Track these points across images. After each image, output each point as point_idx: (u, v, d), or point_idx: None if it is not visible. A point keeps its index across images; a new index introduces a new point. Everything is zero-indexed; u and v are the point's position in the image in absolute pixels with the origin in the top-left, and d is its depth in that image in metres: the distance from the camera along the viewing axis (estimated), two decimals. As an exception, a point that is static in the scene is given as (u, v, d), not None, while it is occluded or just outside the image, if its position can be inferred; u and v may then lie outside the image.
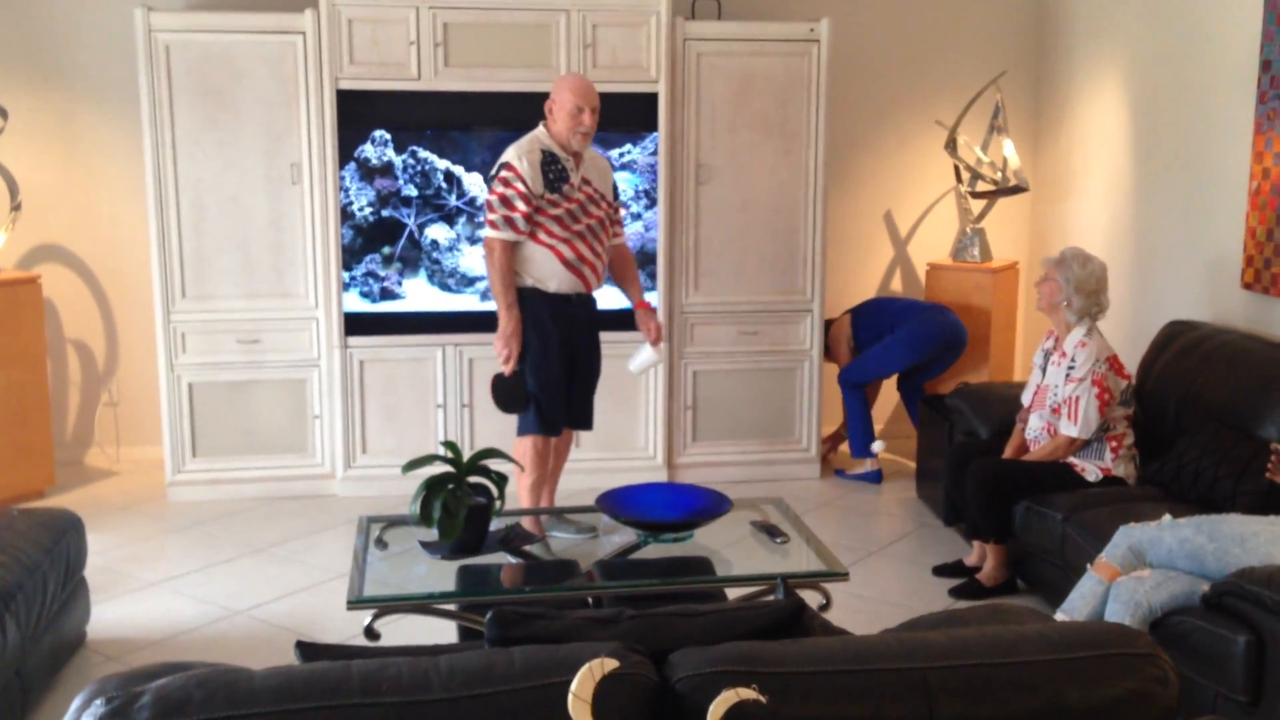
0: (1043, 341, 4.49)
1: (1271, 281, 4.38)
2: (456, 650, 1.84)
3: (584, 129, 4.17)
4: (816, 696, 1.73)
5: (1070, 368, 4.23)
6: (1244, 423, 3.99)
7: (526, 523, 3.75)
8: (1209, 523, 3.30)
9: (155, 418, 5.54)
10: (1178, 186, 5.04)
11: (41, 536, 3.53)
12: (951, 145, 5.95)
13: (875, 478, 5.70)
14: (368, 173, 5.18)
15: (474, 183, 5.23)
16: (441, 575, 3.28)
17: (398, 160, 5.18)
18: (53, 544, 3.55)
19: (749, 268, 5.55)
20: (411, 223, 5.24)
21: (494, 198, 4.17)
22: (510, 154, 4.18)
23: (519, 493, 4.40)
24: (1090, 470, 4.21)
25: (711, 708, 1.62)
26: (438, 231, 5.26)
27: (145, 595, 4.31)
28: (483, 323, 5.14)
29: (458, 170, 5.23)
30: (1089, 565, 3.45)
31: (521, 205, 4.12)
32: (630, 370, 4.60)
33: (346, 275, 5.23)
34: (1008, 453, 4.47)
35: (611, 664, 1.65)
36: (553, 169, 4.17)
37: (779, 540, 3.55)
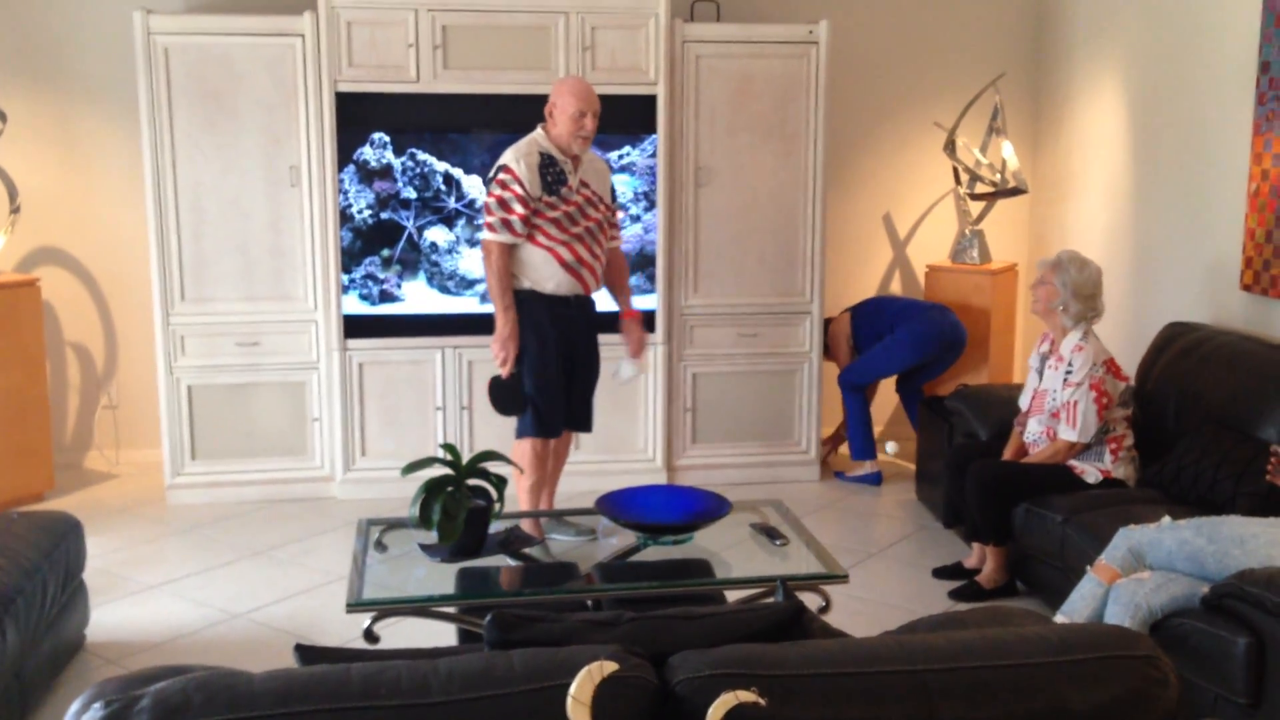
0: (1037, 344, 4.48)
1: (1271, 283, 4.38)
2: (456, 653, 1.84)
3: (585, 133, 4.18)
4: (816, 699, 1.73)
5: (1068, 372, 4.23)
6: (1244, 424, 3.99)
7: (526, 525, 3.74)
8: (1208, 524, 3.30)
9: (154, 420, 5.54)
10: (1177, 188, 5.04)
11: (40, 540, 3.53)
12: (950, 147, 5.95)
13: (875, 480, 5.70)
14: (367, 175, 5.18)
15: (473, 185, 5.23)
16: (441, 578, 3.27)
17: (397, 163, 5.18)
18: (52, 547, 3.55)
19: (748, 270, 5.55)
20: (411, 225, 5.24)
21: (492, 200, 4.17)
22: (508, 156, 4.18)
23: (518, 495, 4.40)
24: (1090, 472, 4.21)
25: (711, 710, 1.62)
26: (437, 234, 5.26)
27: (144, 598, 4.31)
28: (482, 325, 5.12)
29: (457, 173, 5.23)
30: (1088, 567, 3.45)
31: (519, 208, 4.12)
32: (617, 380, 4.62)
33: (346, 278, 5.23)
34: (1006, 456, 4.47)
35: (611, 667, 1.64)
36: (551, 171, 4.17)
37: (778, 542, 3.54)
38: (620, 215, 5.22)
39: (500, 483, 3.37)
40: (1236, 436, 3.95)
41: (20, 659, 3.24)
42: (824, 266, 5.63)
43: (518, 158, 4.15)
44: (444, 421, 5.40)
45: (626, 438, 5.54)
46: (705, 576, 3.30)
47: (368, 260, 5.24)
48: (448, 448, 3.36)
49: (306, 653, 2.05)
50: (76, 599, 3.78)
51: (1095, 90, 5.72)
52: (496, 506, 3.38)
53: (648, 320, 5.42)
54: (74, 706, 1.78)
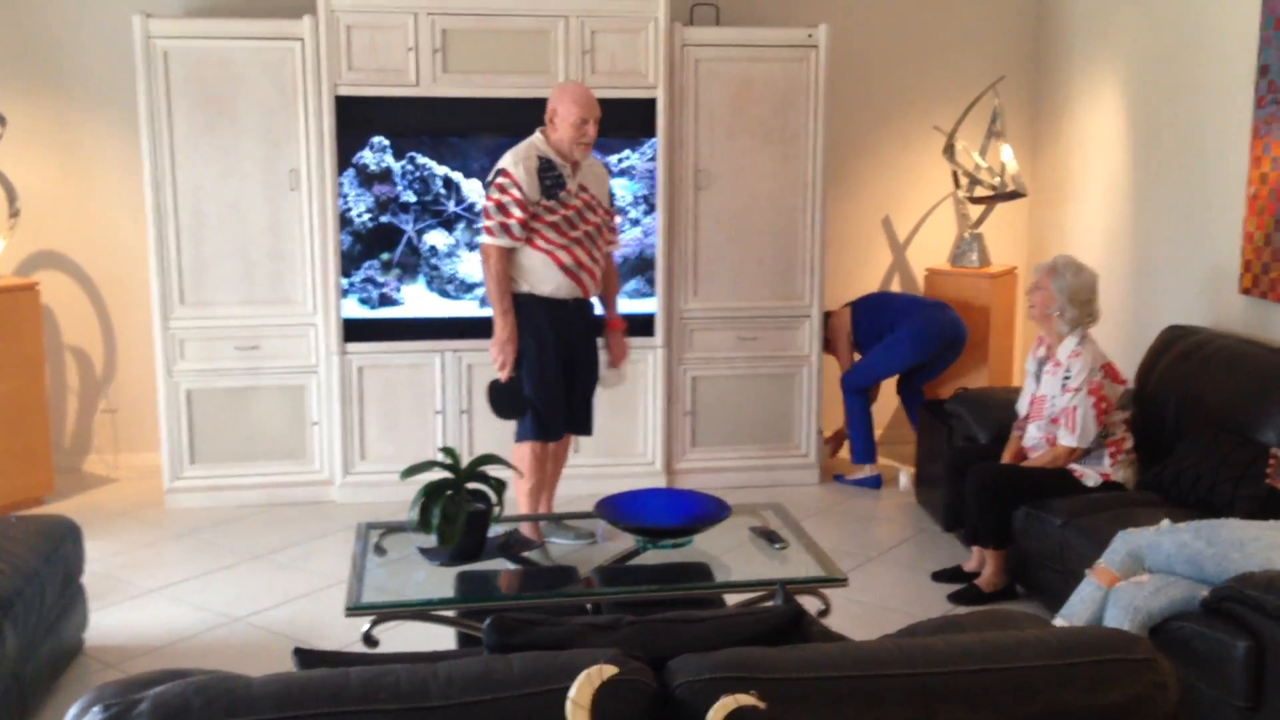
0: (1033, 349, 4.48)
1: (1270, 286, 4.38)
2: (455, 657, 1.84)
3: (587, 139, 4.19)
4: (815, 702, 1.72)
5: (1066, 378, 4.23)
6: (1243, 427, 3.99)
7: (525, 529, 3.74)
8: (1207, 527, 3.30)
9: (153, 424, 5.54)
10: (1175, 191, 5.04)
11: (39, 543, 3.53)
12: (950, 150, 5.96)
13: (874, 483, 5.70)
14: (366, 179, 5.18)
15: (473, 189, 5.23)
16: (440, 581, 3.27)
17: (396, 166, 5.18)
18: (51, 551, 3.55)
19: (748, 273, 5.55)
20: (410, 229, 5.24)
21: (490, 204, 4.17)
22: (506, 160, 4.18)
23: (517, 499, 4.40)
24: (1089, 475, 4.21)
25: (710, 714, 1.62)
26: (436, 238, 5.26)
27: (143, 602, 4.31)
28: (481, 329, 5.12)
29: (456, 176, 5.23)
30: (1087, 571, 3.45)
31: (517, 212, 4.13)
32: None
33: (345, 281, 5.24)
34: (1004, 461, 4.47)
35: (610, 670, 1.64)
36: (549, 175, 4.18)
37: (778, 546, 3.54)
38: (618, 219, 5.23)
39: (499, 486, 3.37)
40: (1236, 439, 3.95)
41: (19, 663, 3.24)
42: (824, 270, 5.63)
43: (516, 161, 4.15)
44: (443, 425, 5.40)
45: (626, 441, 5.54)
46: (705, 580, 3.30)
47: (367, 264, 5.24)
48: (447, 451, 3.36)
49: (305, 656, 2.05)
50: (75, 603, 3.78)
51: (1094, 94, 5.73)
52: (496, 510, 3.38)
53: (647, 324, 5.44)
54: (73, 710, 1.77)
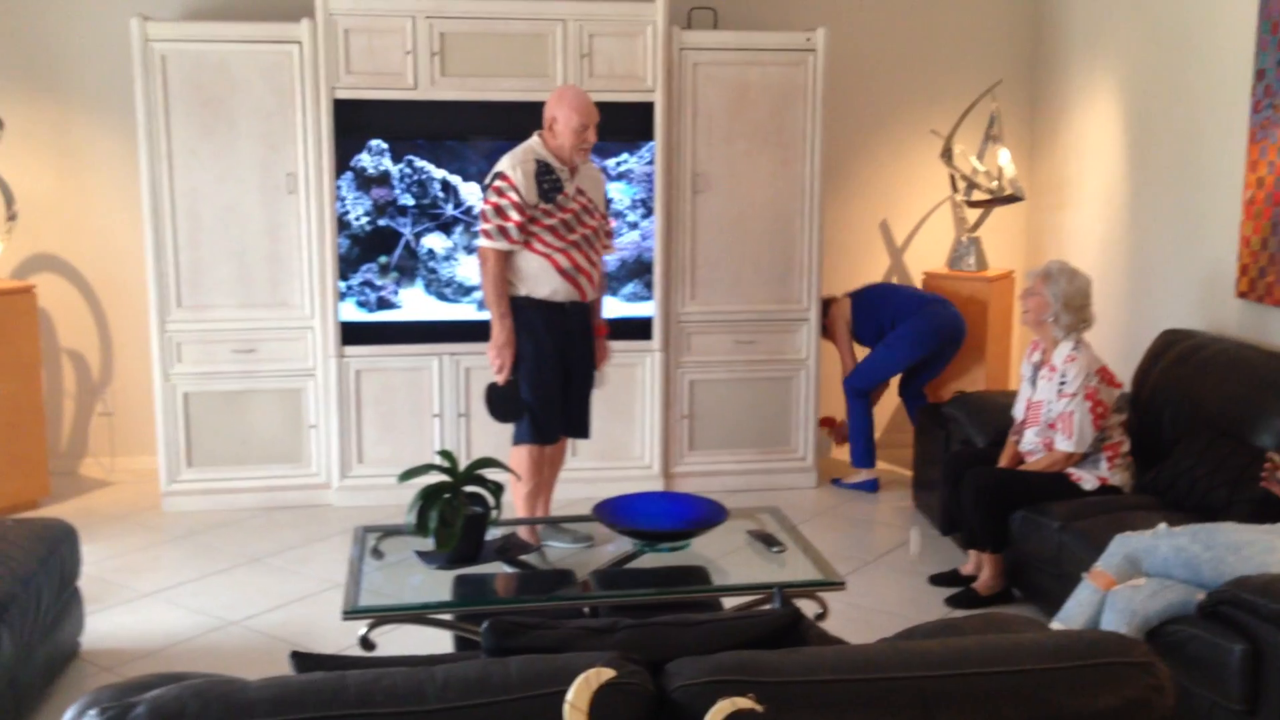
0: (1028, 354, 4.48)
1: (1266, 290, 4.39)
2: (453, 660, 1.84)
3: (587, 145, 4.21)
4: (813, 705, 1.72)
5: (1062, 383, 4.23)
6: (1239, 431, 4.00)
7: (523, 532, 3.74)
8: (1204, 531, 3.30)
9: (150, 428, 5.53)
10: (1172, 195, 5.05)
11: (35, 547, 3.53)
12: (947, 154, 5.96)
13: (871, 487, 5.70)
14: (364, 182, 5.18)
15: (471, 192, 5.23)
16: (437, 585, 3.27)
17: (394, 169, 5.18)
18: (47, 554, 3.54)
19: (745, 277, 5.56)
20: (408, 232, 5.24)
21: (488, 207, 4.17)
22: (504, 164, 4.18)
23: (515, 502, 4.39)
24: (1087, 479, 4.21)
25: (708, 716, 1.62)
26: (434, 241, 5.26)
27: (140, 606, 4.30)
28: (479, 332, 5.12)
29: (454, 179, 5.23)
30: (1084, 575, 3.45)
31: (515, 215, 4.13)
32: None
33: (343, 285, 5.23)
34: (1002, 465, 4.47)
35: (608, 673, 1.64)
36: (547, 179, 4.18)
37: (775, 549, 3.54)
38: (613, 223, 5.23)
39: (497, 489, 3.37)
40: (1232, 443, 3.96)
41: (15, 666, 3.23)
42: (821, 274, 5.63)
43: (514, 165, 4.15)
44: (441, 428, 5.39)
45: (624, 444, 5.54)
46: (702, 583, 3.31)
47: (365, 267, 5.24)
48: (445, 454, 3.36)
49: (302, 660, 2.05)
50: (71, 606, 3.77)
51: (1091, 98, 5.73)
52: (493, 513, 3.38)
53: (645, 327, 5.44)
54: (69, 714, 1.77)
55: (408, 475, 3.34)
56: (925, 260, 6.33)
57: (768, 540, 3.60)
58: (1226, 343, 4.39)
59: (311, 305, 5.29)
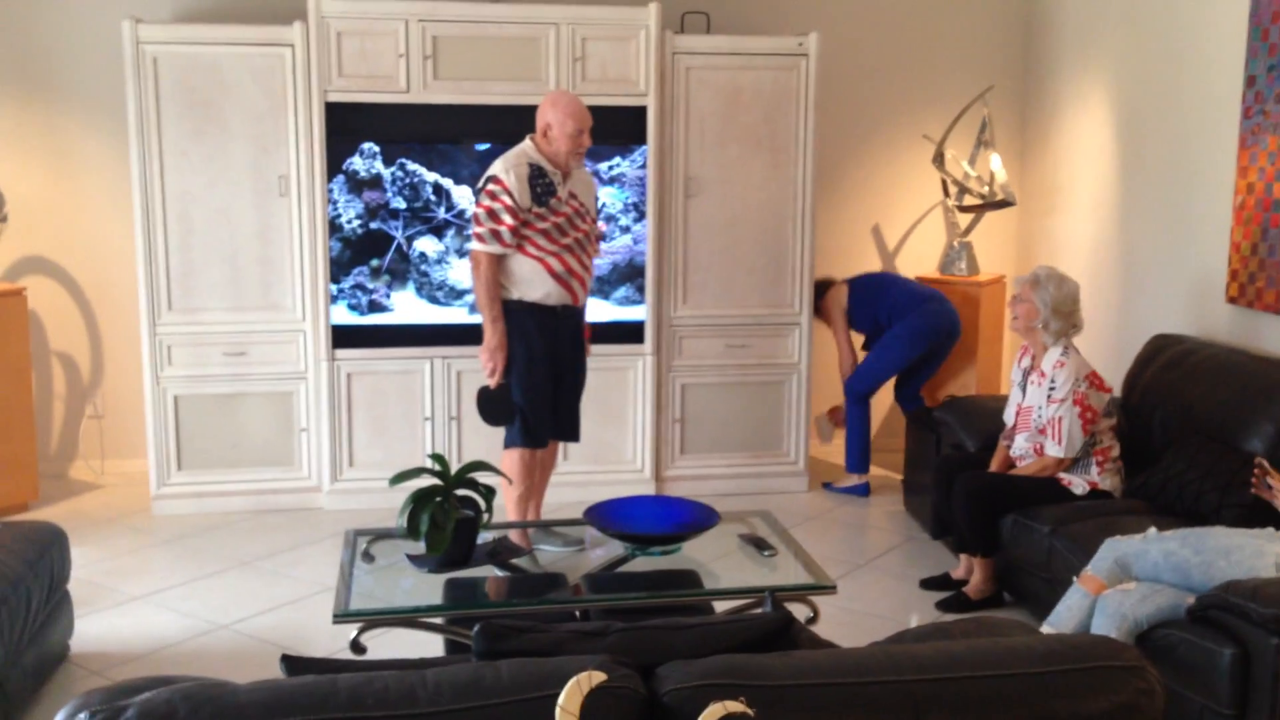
0: (1018, 359, 4.49)
1: (1256, 295, 4.41)
2: (444, 664, 1.84)
3: (582, 150, 4.21)
4: (804, 709, 1.73)
5: (1051, 388, 4.24)
6: (1229, 436, 4.01)
7: (514, 536, 3.74)
8: (1194, 535, 3.31)
9: (140, 430, 5.52)
10: (1163, 201, 5.07)
11: (25, 550, 3.51)
12: (939, 159, 5.98)
13: (863, 491, 5.70)
14: (356, 185, 5.18)
15: (463, 195, 5.23)
16: (428, 588, 3.27)
17: (386, 172, 5.18)
18: (36, 557, 3.53)
19: (737, 281, 5.56)
20: (400, 235, 5.23)
21: (481, 211, 4.17)
22: (497, 167, 4.18)
23: (506, 506, 4.39)
24: (1077, 484, 4.22)
25: (699, 721, 1.62)
26: (426, 244, 5.26)
27: (129, 609, 4.29)
28: (471, 336, 5.12)
29: (446, 183, 5.23)
30: (1075, 579, 3.46)
31: (508, 219, 4.13)
32: None
33: (334, 288, 5.23)
34: (992, 470, 4.48)
35: (599, 677, 1.64)
36: (540, 183, 4.18)
37: (767, 553, 3.54)
38: (603, 227, 5.23)
39: (488, 493, 3.36)
40: (1222, 448, 3.97)
41: (3, 670, 3.22)
42: (813, 278, 5.64)
43: (507, 169, 4.15)
44: (432, 432, 5.39)
45: (615, 448, 5.54)
46: (693, 587, 3.30)
47: (356, 270, 5.24)
48: (436, 458, 3.35)
49: (293, 663, 2.04)
50: (61, 609, 3.76)
51: (1082, 104, 5.75)
52: (485, 517, 3.38)
53: (637, 331, 5.44)
54: (58, 717, 1.77)
55: (399, 479, 3.33)
56: (917, 265, 6.34)
57: (759, 544, 3.60)
58: (1216, 348, 4.41)
59: (303, 308, 5.28)
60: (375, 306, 5.28)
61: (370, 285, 5.25)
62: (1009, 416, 4.49)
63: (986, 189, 5.95)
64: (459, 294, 5.30)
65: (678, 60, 5.35)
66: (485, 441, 5.09)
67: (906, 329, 5.57)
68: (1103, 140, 5.55)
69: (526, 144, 4.24)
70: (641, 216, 5.39)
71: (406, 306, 5.29)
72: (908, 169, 6.28)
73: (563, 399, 4.42)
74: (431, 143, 5.19)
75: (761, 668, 1.78)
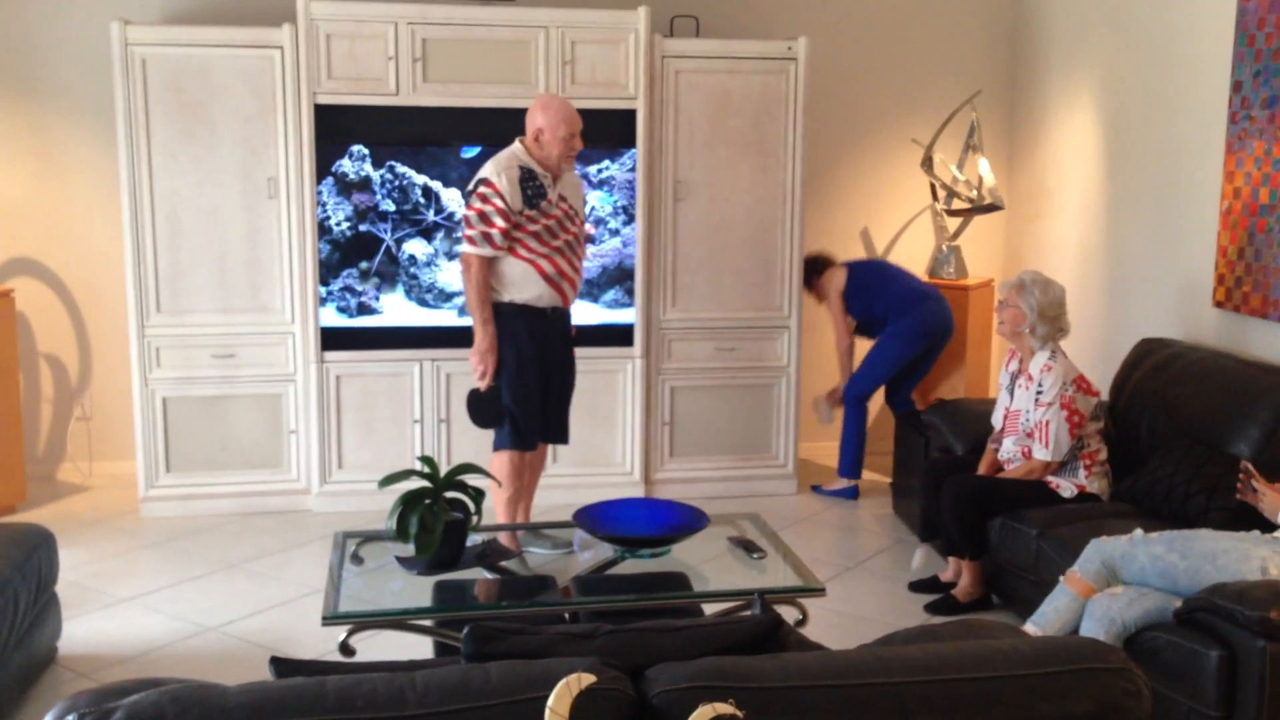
0: (1006, 363, 4.51)
1: (1242, 300, 4.43)
2: (433, 666, 1.84)
3: (574, 152, 4.22)
4: (793, 711, 1.73)
5: (1038, 392, 4.26)
6: (1216, 439, 4.03)
7: (503, 538, 3.74)
8: (1181, 539, 3.32)
9: (128, 432, 5.50)
10: (1150, 205, 5.09)
11: (12, 552, 3.50)
12: (928, 163, 5.99)
13: (852, 494, 5.71)
14: (345, 187, 5.17)
15: (452, 198, 5.23)
16: (418, 591, 3.26)
17: (375, 175, 5.17)
18: (24, 559, 3.52)
19: (726, 284, 5.57)
20: (389, 238, 5.23)
21: (472, 213, 4.17)
22: (488, 170, 4.19)
23: (495, 508, 4.39)
24: (1065, 487, 4.23)
25: (688, 723, 1.62)
26: (415, 247, 5.25)
27: (117, 611, 4.28)
28: (460, 338, 5.12)
29: (436, 185, 5.23)
30: (1061, 578, 3.47)
31: (500, 221, 4.13)
32: None
33: (323, 290, 5.22)
34: (980, 473, 4.49)
35: (588, 679, 1.64)
36: (530, 185, 4.18)
37: (756, 556, 3.55)
38: (590, 230, 5.24)
39: (478, 495, 3.37)
40: (1209, 451, 3.99)
41: (-9, 672, 3.21)
42: (802, 281, 5.65)
43: (498, 171, 4.15)
44: (421, 434, 5.38)
45: (604, 451, 5.54)
46: (683, 589, 3.31)
47: (345, 272, 5.23)
48: (425, 460, 3.35)
49: (282, 665, 2.04)
50: (48, 612, 3.75)
51: (1070, 108, 5.77)
52: (474, 519, 3.38)
53: (626, 334, 5.45)
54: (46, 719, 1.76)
55: (388, 481, 3.33)
56: (905, 268, 6.34)
57: (748, 546, 3.60)
58: (1203, 352, 4.43)
59: (292, 310, 5.28)
60: (364, 309, 5.27)
61: (359, 287, 5.25)
62: (997, 420, 4.50)
63: (975, 193, 5.97)
64: (448, 296, 5.30)
65: (667, 64, 5.36)
66: (474, 444, 5.08)
67: (904, 329, 5.57)
68: (1090, 145, 5.57)
69: (517, 147, 4.24)
70: (630, 219, 5.39)
71: (395, 309, 5.29)
72: (896, 173, 6.30)
73: (552, 401, 4.42)
74: (421, 145, 5.19)
75: (751, 670, 1.78)
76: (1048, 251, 5.97)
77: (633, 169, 5.35)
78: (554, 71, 5.23)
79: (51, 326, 5.76)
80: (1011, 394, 4.41)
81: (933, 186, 6.13)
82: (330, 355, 5.27)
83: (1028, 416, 4.29)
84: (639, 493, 5.51)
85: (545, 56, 5.22)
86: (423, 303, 5.30)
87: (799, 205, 5.56)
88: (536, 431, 4.38)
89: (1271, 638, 2.91)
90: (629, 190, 5.37)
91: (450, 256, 5.25)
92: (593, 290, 5.37)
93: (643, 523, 3.55)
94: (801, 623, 3.27)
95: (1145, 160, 5.11)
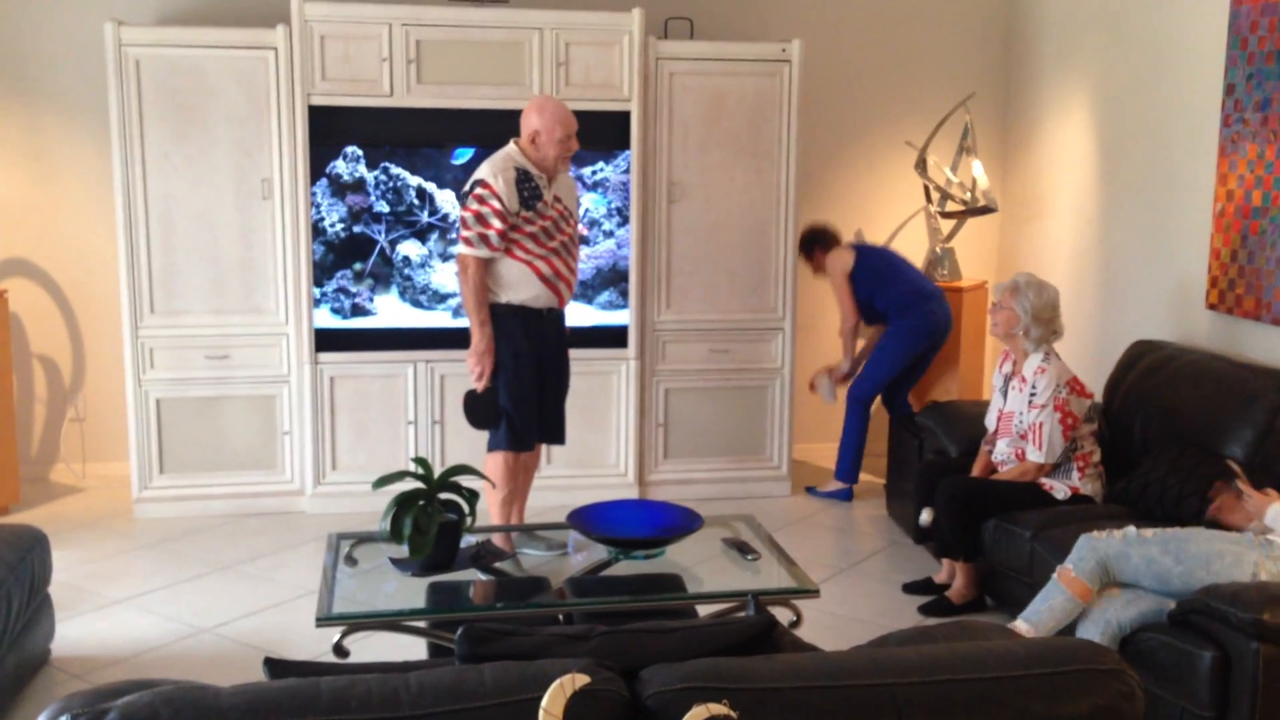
0: (999, 364, 4.51)
1: (1235, 302, 4.44)
2: (427, 667, 1.84)
3: (570, 153, 4.22)
4: (787, 712, 1.73)
5: (1032, 394, 4.26)
6: (1209, 441, 4.04)
7: (497, 539, 3.74)
8: (1175, 541, 3.32)
9: (122, 433, 5.50)
10: (1143, 208, 5.10)
11: (5, 553, 3.49)
12: (921, 165, 6.00)
13: (846, 495, 5.72)
14: (339, 189, 5.17)
15: (446, 199, 5.23)
16: (411, 592, 3.26)
17: (370, 176, 5.17)
18: (17, 561, 3.51)
19: (720, 286, 5.57)
20: (383, 239, 5.23)
21: (469, 215, 4.17)
22: (485, 171, 4.18)
23: (489, 509, 4.39)
24: (1058, 488, 4.24)
25: (682, 724, 1.63)
26: (409, 248, 5.25)
27: (111, 612, 4.27)
28: (454, 339, 5.13)
29: (430, 187, 5.22)
30: (1056, 575, 3.45)
31: (497, 223, 4.13)
32: None
33: (317, 291, 5.22)
34: (974, 475, 4.50)
35: (582, 680, 1.65)
36: (527, 187, 4.18)
37: (750, 557, 3.55)
38: (584, 230, 5.24)
39: (472, 497, 3.36)
40: (1202, 453, 4.00)
41: (-16, 674, 3.21)
42: (796, 283, 5.65)
43: (495, 172, 4.15)
44: (415, 435, 5.38)
45: (598, 452, 5.54)
46: (677, 591, 3.31)
47: (339, 274, 5.23)
48: (419, 461, 3.35)
49: (275, 667, 2.04)
50: (42, 613, 3.74)
51: (1064, 111, 5.79)
52: (468, 521, 3.38)
53: (620, 336, 5.45)
54: (40, 720, 1.76)
55: (382, 482, 3.33)
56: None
57: (742, 548, 3.60)
58: (1196, 354, 4.44)
59: (285, 311, 5.27)
60: (358, 310, 5.27)
61: (353, 289, 5.24)
62: (990, 422, 4.51)
63: (968, 195, 5.98)
64: (442, 298, 5.30)
65: (661, 66, 5.37)
66: (468, 445, 5.08)
67: (906, 329, 5.55)
68: (1084, 147, 5.58)
69: (512, 148, 4.24)
70: (625, 221, 5.39)
71: (389, 310, 5.28)
72: (890, 175, 6.31)
73: (548, 401, 4.42)
74: (415, 146, 5.19)
75: (744, 671, 1.78)
76: (1041, 254, 5.98)
77: (627, 171, 5.35)
78: (548, 73, 5.23)
79: (45, 327, 5.75)
80: (1005, 396, 4.42)
81: (926, 189, 6.14)
82: (324, 356, 5.26)
83: (1021, 418, 4.30)
84: (633, 494, 5.51)
85: (539, 58, 5.22)
86: (417, 304, 5.30)
87: (793, 207, 5.56)
88: (534, 432, 4.38)
89: (1264, 639, 2.92)
90: (623, 192, 5.37)
91: (444, 258, 5.25)
92: (587, 292, 5.37)
93: (637, 524, 3.55)
94: (795, 624, 3.27)
95: (1138, 163, 5.13)
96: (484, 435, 4.40)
